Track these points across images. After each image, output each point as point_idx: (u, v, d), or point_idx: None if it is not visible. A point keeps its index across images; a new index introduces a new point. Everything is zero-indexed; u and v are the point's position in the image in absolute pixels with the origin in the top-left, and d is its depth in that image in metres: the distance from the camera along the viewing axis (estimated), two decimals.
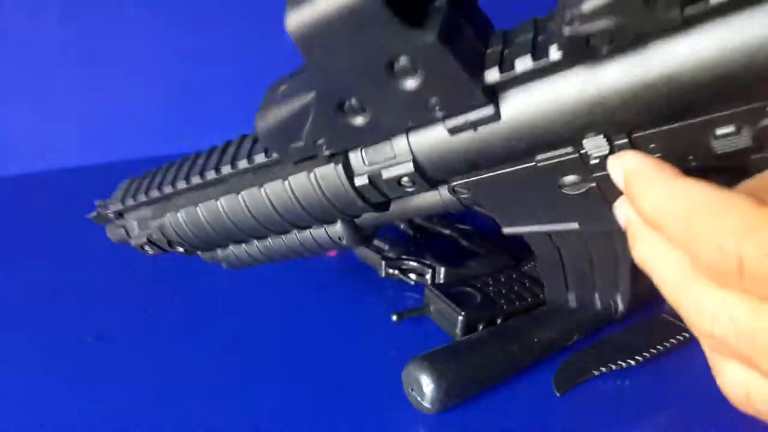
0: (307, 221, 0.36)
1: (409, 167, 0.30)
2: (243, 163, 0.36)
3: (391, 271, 0.55)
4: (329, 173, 0.32)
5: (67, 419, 0.41)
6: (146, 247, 0.43)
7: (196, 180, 0.38)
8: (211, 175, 0.37)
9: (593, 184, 0.29)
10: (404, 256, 0.56)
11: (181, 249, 0.43)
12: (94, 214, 0.46)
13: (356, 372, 0.44)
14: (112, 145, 0.95)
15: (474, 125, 0.27)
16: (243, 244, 0.42)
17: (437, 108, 0.26)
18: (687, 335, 0.42)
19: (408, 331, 0.48)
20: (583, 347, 0.42)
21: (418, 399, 0.39)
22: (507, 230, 0.35)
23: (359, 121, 0.28)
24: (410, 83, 0.25)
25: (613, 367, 0.40)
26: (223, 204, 0.37)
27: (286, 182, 0.34)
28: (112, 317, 0.53)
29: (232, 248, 0.43)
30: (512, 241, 0.63)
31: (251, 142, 0.37)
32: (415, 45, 0.23)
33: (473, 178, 0.31)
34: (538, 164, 0.28)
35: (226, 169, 0.37)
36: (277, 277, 0.59)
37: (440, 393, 0.38)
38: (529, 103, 0.26)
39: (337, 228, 0.37)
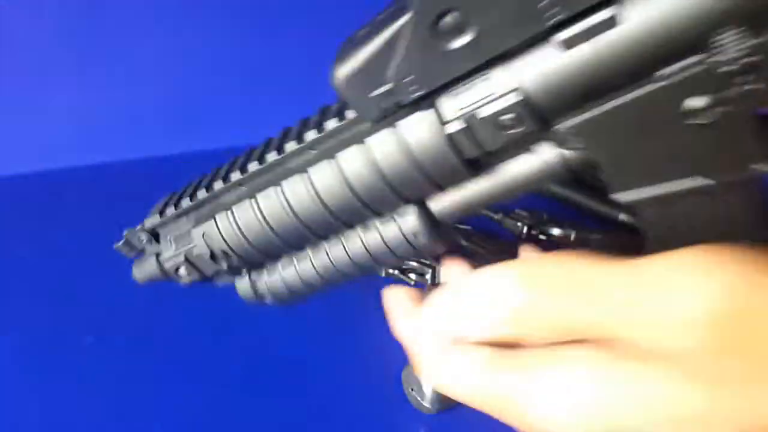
0: (382, 202, 0.30)
1: (514, 98, 0.25)
2: (311, 135, 0.30)
3: (390, 270, 0.55)
4: (416, 122, 0.27)
5: (67, 419, 0.42)
6: (182, 270, 0.36)
7: (253, 167, 0.32)
8: (272, 156, 0.32)
9: (727, 108, 0.23)
10: None
11: (224, 265, 0.35)
12: (121, 242, 0.38)
13: (356, 372, 0.44)
14: (111, 145, 0.95)
15: (589, 35, 0.23)
16: (295, 261, 0.35)
17: (550, 11, 0.22)
18: None
19: None
20: None
21: (418, 399, 0.39)
22: (623, 197, 0.28)
23: (458, 43, 0.24)
24: None
25: None
26: (283, 190, 0.31)
27: (364, 145, 0.28)
28: (113, 317, 0.53)
29: (280, 270, 0.36)
30: (511, 241, 0.64)
31: (316, 118, 0.32)
32: None
33: (586, 116, 0.25)
34: (658, 84, 0.23)
35: (290, 147, 0.31)
36: None
37: (440, 393, 0.38)
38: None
39: (410, 220, 0.30)
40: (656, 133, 0.25)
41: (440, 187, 0.29)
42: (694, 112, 0.24)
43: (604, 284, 0.22)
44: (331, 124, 0.30)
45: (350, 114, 0.29)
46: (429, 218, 0.30)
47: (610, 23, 0.22)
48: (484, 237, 0.61)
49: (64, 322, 0.54)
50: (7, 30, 0.88)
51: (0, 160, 0.92)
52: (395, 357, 0.46)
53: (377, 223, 0.31)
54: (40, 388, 0.45)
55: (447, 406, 0.39)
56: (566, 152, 0.27)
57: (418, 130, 0.27)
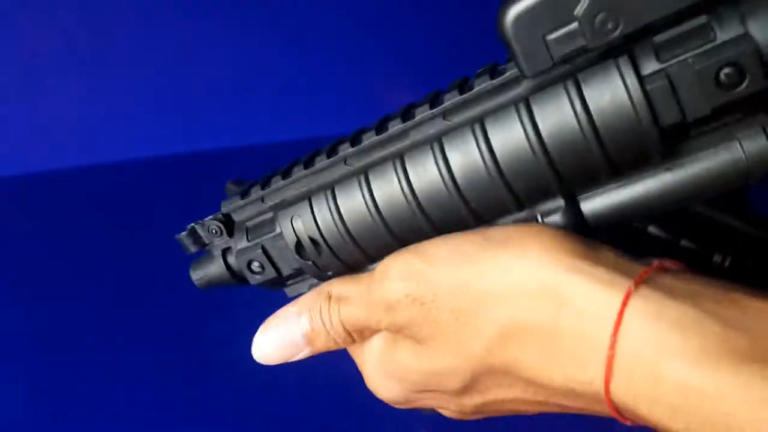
0: (534, 187, 0.23)
1: (741, 46, 0.18)
2: (451, 97, 0.24)
3: None
4: (602, 76, 0.20)
5: (68, 420, 0.42)
6: (255, 265, 0.29)
7: (369, 137, 0.25)
8: (395, 125, 0.25)
9: None
10: None
11: (309, 260, 0.27)
12: (185, 233, 0.32)
13: (356, 372, 0.44)
14: (111, 145, 0.95)
15: None
16: None
17: None
18: None
19: None
20: None
21: None
22: None
23: None
24: None
25: None
26: (404, 166, 0.24)
27: (524, 107, 0.22)
28: (113, 317, 0.54)
29: None
30: None
31: (456, 82, 0.25)
32: None
33: None
34: None
35: (421, 112, 0.24)
36: None
37: None
38: None
39: (554, 221, 0.23)
40: None
41: (614, 168, 0.22)
42: None
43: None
44: (480, 83, 0.23)
45: (508, 72, 0.23)
46: (579, 222, 0.23)
47: None
48: None
49: (64, 322, 0.54)
50: (8, 30, 0.88)
51: (0, 160, 0.92)
52: None
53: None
54: (40, 390, 0.45)
55: None
56: None
57: (603, 86, 0.20)
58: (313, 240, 0.26)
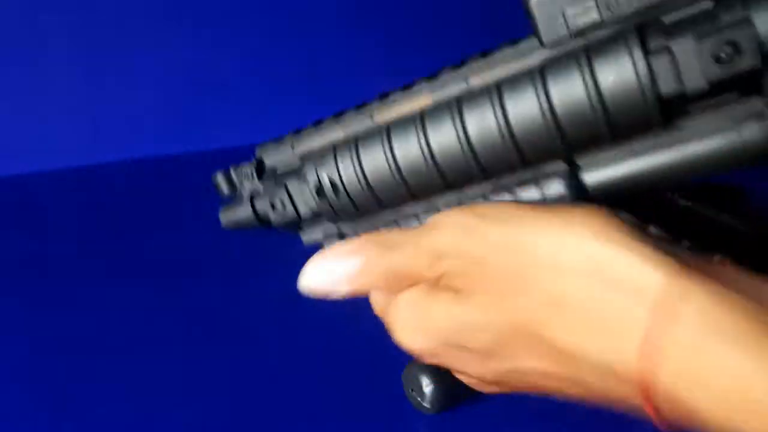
0: (541, 147, 0.24)
1: (740, 28, 0.20)
2: (474, 60, 0.26)
3: None
4: (613, 46, 0.22)
5: (69, 420, 0.42)
6: (278, 203, 0.32)
7: (396, 96, 0.28)
8: (420, 85, 0.27)
9: None
10: None
11: (327, 205, 0.30)
12: (221, 175, 0.35)
13: (356, 372, 0.44)
14: (111, 146, 0.95)
15: None
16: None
17: None
18: None
19: None
20: None
21: (418, 399, 0.39)
22: None
23: None
24: None
25: None
26: (424, 124, 0.26)
27: (537, 73, 0.24)
28: (114, 319, 0.54)
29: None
30: None
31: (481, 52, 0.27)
32: None
33: None
34: None
35: (445, 73, 0.27)
36: (278, 277, 0.59)
37: (440, 393, 0.38)
38: None
39: (554, 188, 0.25)
40: None
41: (615, 134, 0.23)
42: None
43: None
44: (501, 50, 0.25)
45: (526, 42, 0.25)
46: (578, 191, 0.25)
47: None
48: None
49: (64, 322, 0.54)
50: (9, 30, 0.88)
51: (0, 160, 0.92)
52: (395, 357, 0.46)
53: (516, 188, 0.26)
54: (41, 390, 0.45)
55: (447, 406, 0.39)
56: None
57: (612, 58, 0.22)
58: (333, 184, 0.29)
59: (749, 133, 0.22)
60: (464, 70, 0.26)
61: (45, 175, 0.92)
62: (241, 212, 0.34)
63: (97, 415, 0.42)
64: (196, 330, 0.51)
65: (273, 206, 0.32)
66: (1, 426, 0.42)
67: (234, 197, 0.35)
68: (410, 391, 0.39)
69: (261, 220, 0.34)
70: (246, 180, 0.33)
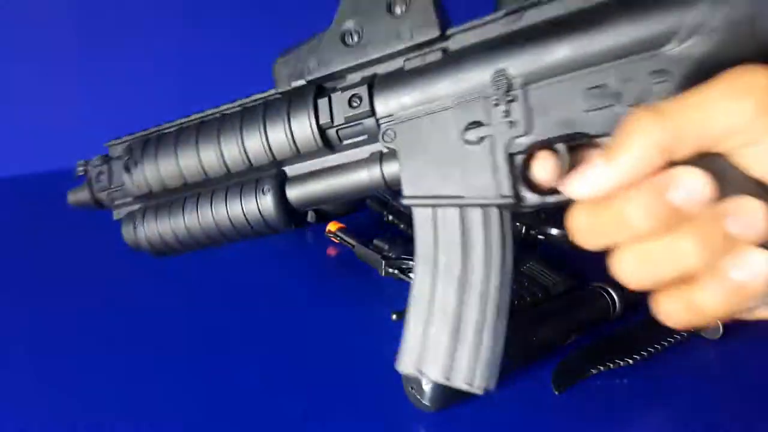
0: (259, 158, 0.36)
1: (360, 86, 0.34)
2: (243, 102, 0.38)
3: (390, 270, 0.56)
4: (301, 100, 0.35)
5: (70, 419, 0.42)
6: (103, 177, 0.42)
7: (194, 116, 0.40)
8: (201, 114, 0.40)
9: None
10: (404, 256, 0.56)
11: (132, 180, 0.40)
12: (82, 164, 0.44)
13: (356, 370, 0.44)
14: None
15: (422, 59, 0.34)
16: (170, 215, 0.40)
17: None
18: (682, 335, 0.42)
19: None
20: (581, 346, 0.43)
21: (418, 397, 0.39)
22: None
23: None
24: None
25: (611, 365, 0.40)
26: (198, 133, 0.38)
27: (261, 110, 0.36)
28: (114, 317, 0.54)
29: (156, 222, 0.40)
30: None
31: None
32: None
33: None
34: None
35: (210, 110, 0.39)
36: (278, 276, 0.60)
37: (439, 391, 0.38)
38: None
39: (267, 201, 0.37)
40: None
41: (299, 152, 0.36)
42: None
43: None
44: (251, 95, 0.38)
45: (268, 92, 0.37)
46: (281, 193, 0.37)
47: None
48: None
49: (65, 322, 0.54)
50: (9, 31, 0.88)
51: (0, 160, 0.92)
52: (395, 355, 0.46)
53: (243, 189, 0.37)
54: (42, 389, 0.46)
55: (446, 404, 0.39)
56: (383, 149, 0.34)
57: (300, 107, 0.35)
58: (135, 162, 0.40)
59: (373, 166, 0.34)
60: (236, 102, 0.38)
61: (45, 176, 0.92)
62: (81, 193, 0.44)
63: (96, 416, 0.42)
64: (194, 329, 0.51)
65: (98, 178, 0.42)
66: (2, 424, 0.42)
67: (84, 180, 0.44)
68: (410, 389, 0.40)
69: (95, 201, 0.43)
70: (93, 167, 0.43)
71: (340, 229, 0.63)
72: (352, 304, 0.54)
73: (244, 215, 0.37)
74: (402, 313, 0.49)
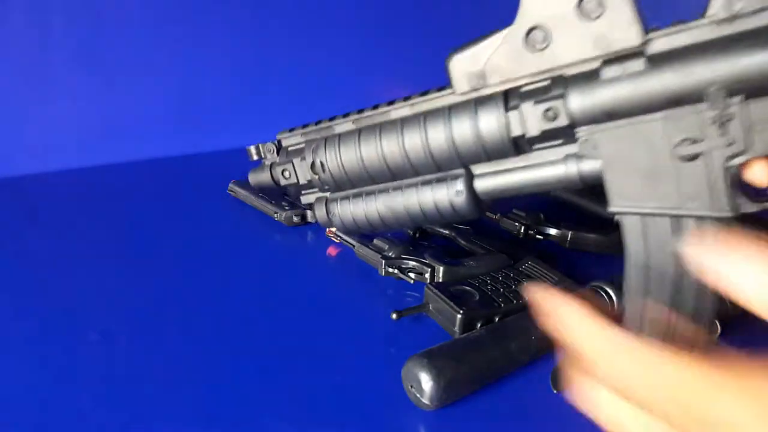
0: (445, 159, 0.37)
1: (556, 99, 0.32)
2: (414, 96, 0.38)
3: (390, 270, 0.56)
4: (490, 102, 0.34)
5: (69, 419, 0.42)
6: (286, 173, 0.46)
7: (367, 111, 0.40)
8: (384, 106, 0.40)
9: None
10: (404, 256, 0.56)
11: (317, 176, 0.43)
12: (254, 147, 0.48)
13: (356, 369, 0.44)
14: (111, 146, 0.96)
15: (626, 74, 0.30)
16: (364, 200, 0.42)
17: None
18: None
19: (407, 329, 0.49)
20: None
21: (418, 396, 0.39)
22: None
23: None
24: None
25: None
26: (381, 132, 0.38)
27: (447, 111, 0.36)
28: (116, 316, 0.54)
29: (350, 205, 0.43)
30: (509, 241, 0.64)
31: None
32: None
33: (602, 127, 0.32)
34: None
35: (397, 102, 0.39)
36: (278, 276, 0.60)
37: (439, 390, 0.39)
38: None
39: (458, 184, 0.37)
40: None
41: (489, 156, 0.36)
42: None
43: None
44: (429, 92, 0.37)
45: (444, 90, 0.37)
46: (472, 191, 0.37)
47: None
48: (482, 237, 0.62)
49: (66, 322, 0.54)
50: (10, 31, 0.88)
51: (0, 160, 0.92)
52: (395, 354, 0.46)
53: (432, 185, 0.39)
54: (42, 388, 0.46)
55: (446, 402, 0.39)
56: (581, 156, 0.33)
57: (488, 109, 0.34)
58: (321, 164, 0.42)
59: (569, 166, 0.33)
60: (408, 101, 0.38)
61: (45, 176, 0.92)
62: (263, 175, 0.48)
63: (98, 416, 0.42)
64: (194, 329, 0.51)
65: (283, 174, 0.46)
66: (2, 424, 0.42)
67: (258, 163, 0.49)
68: (410, 388, 0.40)
69: (275, 183, 0.48)
70: (268, 153, 0.48)
71: None
72: (352, 304, 0.54)
73: (437, 210, 0.39)
74: (402, 313, 0.50)
